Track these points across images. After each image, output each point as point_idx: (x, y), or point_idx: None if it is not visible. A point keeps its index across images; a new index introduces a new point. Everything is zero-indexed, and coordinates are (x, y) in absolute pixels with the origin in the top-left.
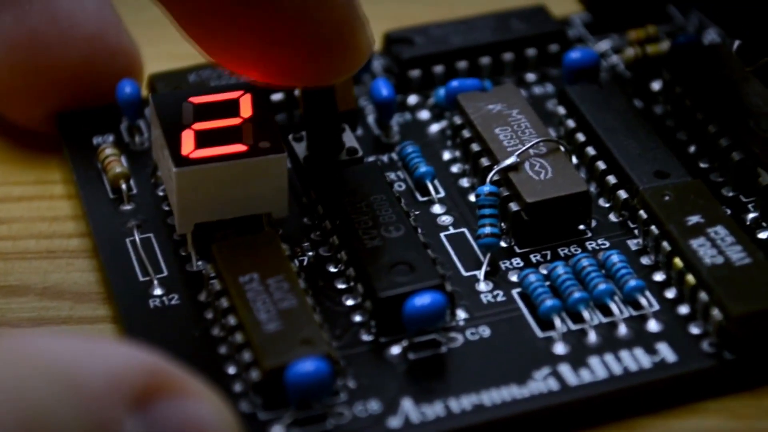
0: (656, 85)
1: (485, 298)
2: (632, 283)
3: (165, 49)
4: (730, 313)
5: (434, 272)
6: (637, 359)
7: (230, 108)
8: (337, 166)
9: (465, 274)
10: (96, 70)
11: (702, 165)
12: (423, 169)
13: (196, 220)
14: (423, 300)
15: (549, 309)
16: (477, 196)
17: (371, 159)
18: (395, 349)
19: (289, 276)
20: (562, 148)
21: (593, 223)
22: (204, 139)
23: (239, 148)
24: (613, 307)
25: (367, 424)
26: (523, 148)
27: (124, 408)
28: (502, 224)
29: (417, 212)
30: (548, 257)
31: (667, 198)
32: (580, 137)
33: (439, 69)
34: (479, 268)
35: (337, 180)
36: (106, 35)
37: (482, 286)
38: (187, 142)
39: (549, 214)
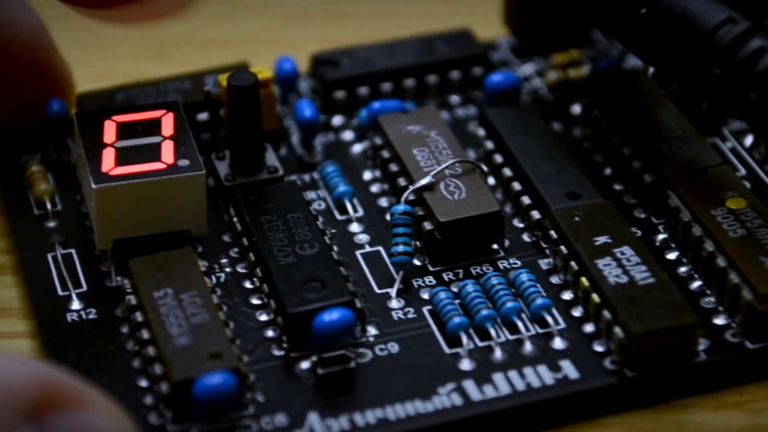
0: (577, 108)
1: (396, 315)
2: (539, 301)
3: (96, 70)
4: (630, 331)
5: (345, 289)
6: (540, 376)
7: (152, 127)
8: (257, 184)
9: (378, 291)
10: (27, 90)
11: (616, 187)
12: (342, 188)
13: (115, 236)
14: (331, 316)
15: (456, 326)
16: (391, 215)
17: (292, 178)
18: (305, 364)
19: (203, 292)
20: (478, 170)
21: (507, 243)
22: (124, 156)
23: (158, 166)
24: (520, 324)
25: None
26: (438, 169)
27: (18, 419)
28: (417, 243)
29: (334, 230)
30: (460, 276)
31: (576, 219)
32: (498, 158)
33: (363, 90)
34: (392, 285)
35: (255, 198)
36: (38, 55)
37: (394, 304)
38: (108, 160)
39: (462, 233)
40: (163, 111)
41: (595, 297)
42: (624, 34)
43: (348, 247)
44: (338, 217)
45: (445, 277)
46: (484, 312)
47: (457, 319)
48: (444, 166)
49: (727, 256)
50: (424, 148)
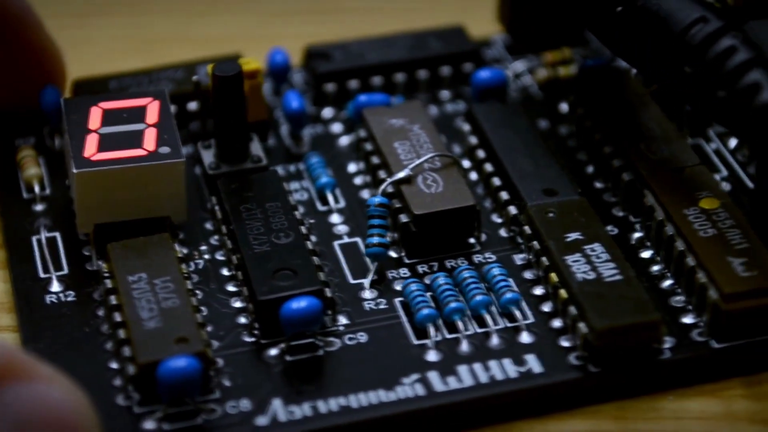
0: (564, 106)
1: (368, 306)
2: (508, 295)
3: (85, 67)
4: (593, 327)
5: (315, 278)
6: (504, 369)
7: (137, 114)
8: (240, 173)
9: (352, 281)
10: (21, 73)
11: (597, 185)
12: (324, 179)
13: (96, 221)
14: (299, 304)
15: (424, 317)
16: (367, 206)
17: (278, 168)
18: (274, 351)
19: (176, 277)
20: (457, 164)
21: (484, 237)
22: (108, 142)
23: (139, 152)
24: (487, 318)
25: (236, 421)
26: (416, 162)
27: None
28: (395, 235)
29: (312, 221)
30: (435, 268)
31: (551, 215)
32: (480, 154)
33: (354, 84)
34: (367, 276)
35: (236, 187)
36: (29, 37)
37: (367, 294)
38: (91, 145)
39: (436, 227)
40: (150, 99)
41: (563, 292)
42: (603, 33)
43: (326, 237)
44: (320, 207)
45: (420, 270)
46: (453, 305)
47: (425, 311)
48: (422, 159)
49: (696, 255)
50: (406, 142)
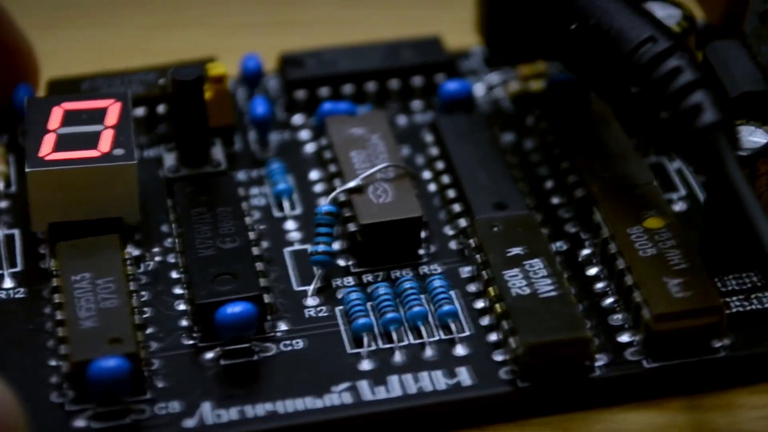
0: (531, 120)
1: (309, 313)
2: (445, 308)
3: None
4: (522, 342)
5: (254, 284)
6: (434, 381)
7: (97, 115)
8: (198, 177)
9: (296, 288)
10: None
11: (554, 200)
12: (281, 186)
13: (50, 220)
14: (234, 309)
15: (359, 327)
16: (315, 214)
17: (241, 173)
18: (210, 355)
19: (119, 278)
20: (409, 175)
21: (433, 249)
22: (64, 143)
23: (93, 153)
24: (423, 329)
25: (164, 422)
26: (368, 172)
27: None
28: (345, 243)
29: (263, 227)
30: (380, 278)
31: (496, 229)
32: (439, 165)
33: (324, 91)
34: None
35: (191, 191)
36: (0, 37)
37: (309, 302)
38: (47, 145)
39: (383, 237)
40: (112, 101)
41: (498, 307)
42: (559, 51)
43: (279, 243)
44: (276, 214)
45: (366, 279)
46: (389, 315)
47: (361, 321)
48: (374, 169)
49: (634, 274)
50: (363, 151)
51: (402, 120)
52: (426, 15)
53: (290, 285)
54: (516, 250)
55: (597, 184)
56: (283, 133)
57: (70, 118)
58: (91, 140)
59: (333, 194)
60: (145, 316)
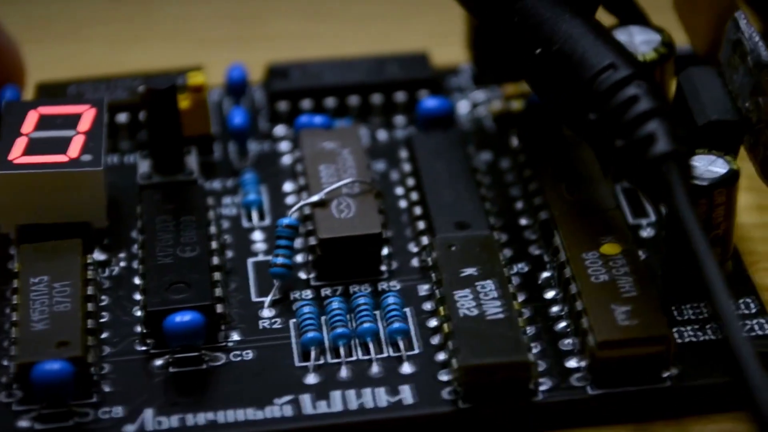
0: (514, 140)
1: (263, 324)
2: (395, 325)
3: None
4: (461, 363)
5: (207, 294)
6: (376, 397)
7: (71, 121)
8: (169, 185)
9: (254, 299)
10: None
11: (522, 221)
12: (250, 197)
13: (18, 221)
14: (183, 318)
15: (308, 341)
16: (276, 227)
17: (216, 182)
18: (159, 362)
19: (75, 282)
20: (374, 191)
21: (395, 265)
22: (35, 147)
23: (61, 158)
24: (371, 346)
25: (105, 427)
26: (332, 187)
27: None
28: (306, 256)
29: (227, 237)
30: (339, 292)
31: (453, 248)
32: (410, 182)
33: (306, 103)
34: (274, 293)
35: (159, 198)
36: None
37: (265, 313)
38: (18, 148)
39: (341, 252)
40: (87, 107)
41: (446, 326)
42: (527, 74)
43: (243, 253)
44: (245, 224)
45: (324, 293)
46: (338, 330)
47: (310, 335)
48: (338, 184)
49: (584, 299)
50: (332, 165)
51: (382, 135)
52: (421, 28)
53: (249, 295)
54: (470, 271)
55: (559, 207)
56: (263, 143)
57: (44, 122)
58: (62, 145)
59: (295, 207)
60: (103, 320)
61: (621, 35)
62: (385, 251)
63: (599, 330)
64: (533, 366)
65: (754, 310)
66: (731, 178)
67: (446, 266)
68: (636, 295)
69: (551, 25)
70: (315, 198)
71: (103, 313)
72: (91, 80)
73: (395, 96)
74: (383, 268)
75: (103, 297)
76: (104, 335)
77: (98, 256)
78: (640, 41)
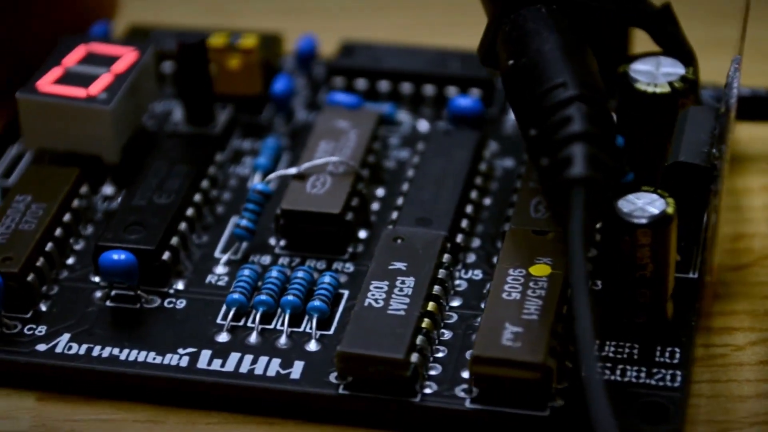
0: None
1: (210, 279)
2: (314, 303)
3: None
4: (339, 349)
5: (156, 239)
6: (268, 367)
7: (110, 61)
8: (190, 137)
9: (216, 255)
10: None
11: (488, 230)
12: (260, 161)
13: (40, 143)
14: (118, 256)
15: (230, 301)
16: (248, 190)
17: (246, 142)
18: (99, 293)
19: (50, 207)
20: (356, 175)
21: (360, 249)
22: (68, 78)
23: (79, 92)
24: (286, 318)
25: (23, 341)
26: (312, 163)
27: None
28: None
29: (216, 191)
30: (295, 263)
31: (398, 242)
32: (410, 174)
33: (361, 83)
34: (235, 253)
35: (170, 145)
36: None
37: (219, 269)
38: (51, 77)
39: (302, 225)
40: (131, 49)
41: (353, 312)
42: (504, 86)
43: (231, 212)
44: (249, 185)
45: (282, 261)
46: (262, 297)
47: (234, 296)
48: (320, 161)
49: (487, 312)
50: (332, 143)
51: (423, 125)
52: None
53: (213, 251)
54: (398, 265)
55: (517, 221)
56: (309, 114)
57: (89, 58)
58: (89, 81)
59: (271, 176)
60: (77, 247)
61: (646, 64)
62: (363, 234)
63: (478, 345)
64: (412, 366)
65: (675, 361)
66: (661, 221)
67: (380, 257)
68: (533, 320)
69: (528, 39)
70: (293, 170)
71: (80, 240)
72: (172, 30)
73: (447, 90)
74: (350, 249)
75: (88, 227)
76: (70, 261)
77: (107, 189)
78: (663, 72)
